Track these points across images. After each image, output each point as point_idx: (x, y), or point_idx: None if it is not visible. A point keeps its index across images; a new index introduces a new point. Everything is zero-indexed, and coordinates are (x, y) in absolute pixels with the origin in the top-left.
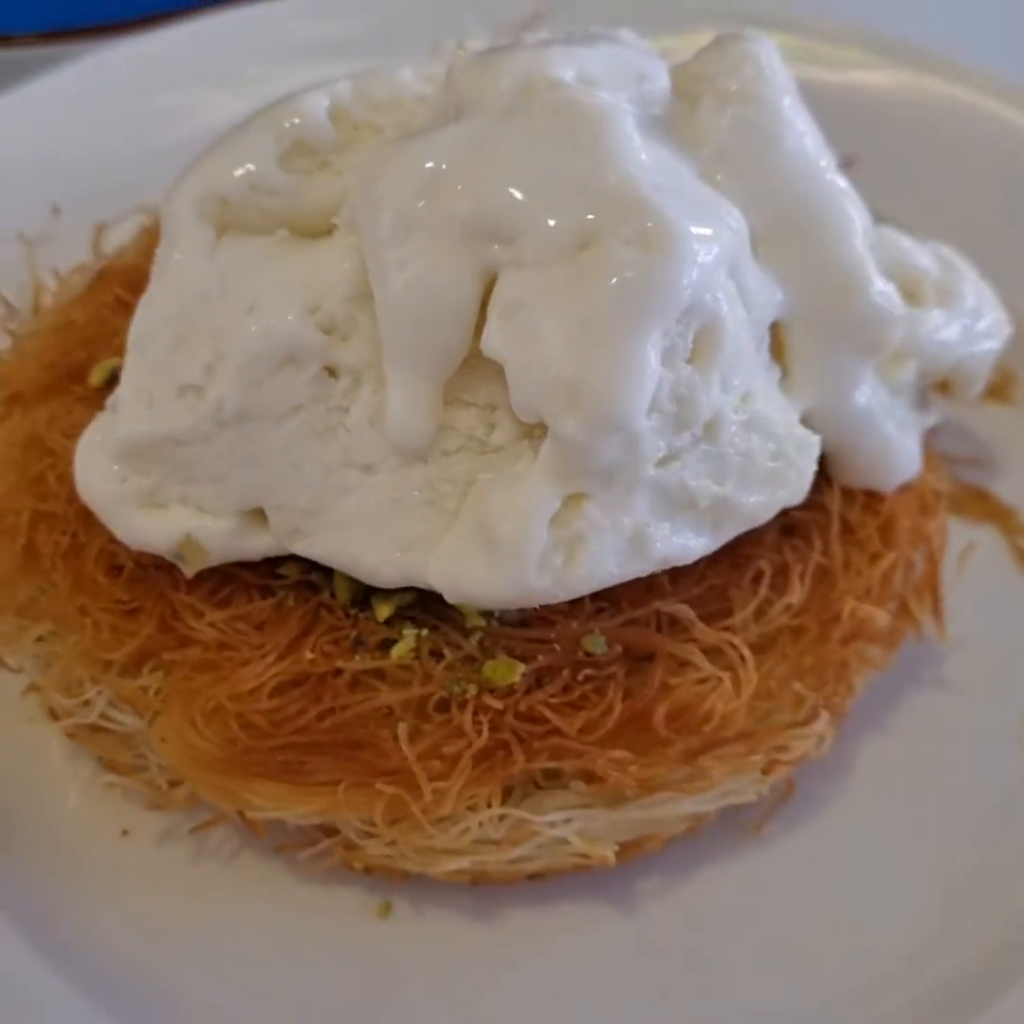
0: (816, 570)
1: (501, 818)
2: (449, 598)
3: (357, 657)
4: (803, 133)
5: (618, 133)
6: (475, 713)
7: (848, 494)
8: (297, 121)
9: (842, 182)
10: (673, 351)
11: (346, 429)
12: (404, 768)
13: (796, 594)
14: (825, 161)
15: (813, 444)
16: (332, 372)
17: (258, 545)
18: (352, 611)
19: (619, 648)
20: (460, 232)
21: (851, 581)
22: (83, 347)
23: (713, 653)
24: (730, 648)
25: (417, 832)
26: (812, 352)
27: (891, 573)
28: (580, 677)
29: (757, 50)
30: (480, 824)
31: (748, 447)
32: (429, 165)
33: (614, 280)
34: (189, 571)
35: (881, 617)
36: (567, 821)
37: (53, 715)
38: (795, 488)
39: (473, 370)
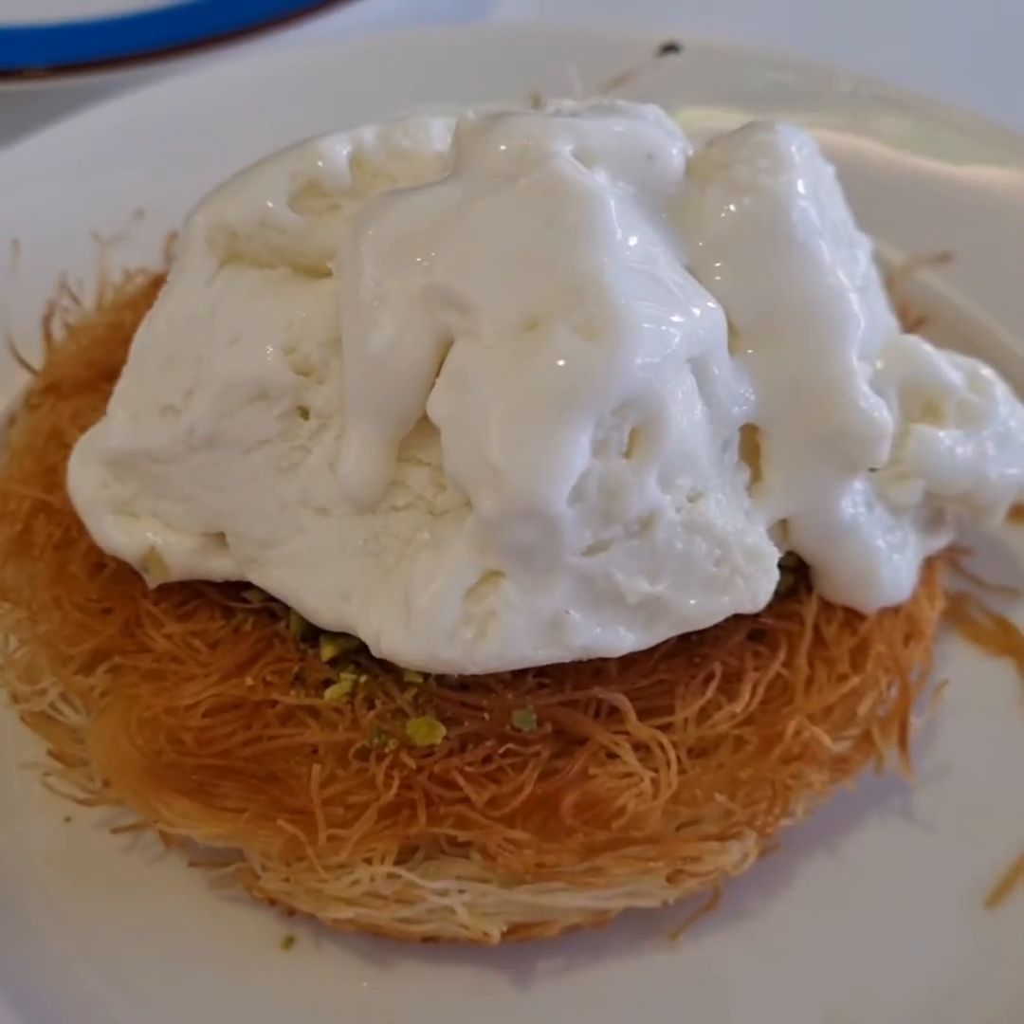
0: (775, 682)
1: (391, 876)
2: (373, 652)
3: (294, 692)
4: (814, 232)
5: (597, 217)
6: (390, 767)
7: (828, 607)
8: (318, 164)
9: (848, 289)
10: (607, 443)
11: (307, 469)
12: (309, 809)
13: (741, 703)
14: (836, 264)
15: (767, 556)
16: (303, 412)
17: (218, 568)
18: (303, 646)
19: (549, 727)
20: (423, 295)
21: (809, 699)
22: (124, 348)
23: (644, 749)
24: (658, 748)
25: (310, 874)
26: (787, 461)
27: (854, 698)
28: (502, 750)
29: (780, 142)
30: (372, 878)
31: (688, 549)
32: (407, 224)
33: (551, 365)
34: (151, 582)
35: (827, 742)
36: (460, 891)
37: (13, 698)
38: (744, 597)
39: (431, 430)
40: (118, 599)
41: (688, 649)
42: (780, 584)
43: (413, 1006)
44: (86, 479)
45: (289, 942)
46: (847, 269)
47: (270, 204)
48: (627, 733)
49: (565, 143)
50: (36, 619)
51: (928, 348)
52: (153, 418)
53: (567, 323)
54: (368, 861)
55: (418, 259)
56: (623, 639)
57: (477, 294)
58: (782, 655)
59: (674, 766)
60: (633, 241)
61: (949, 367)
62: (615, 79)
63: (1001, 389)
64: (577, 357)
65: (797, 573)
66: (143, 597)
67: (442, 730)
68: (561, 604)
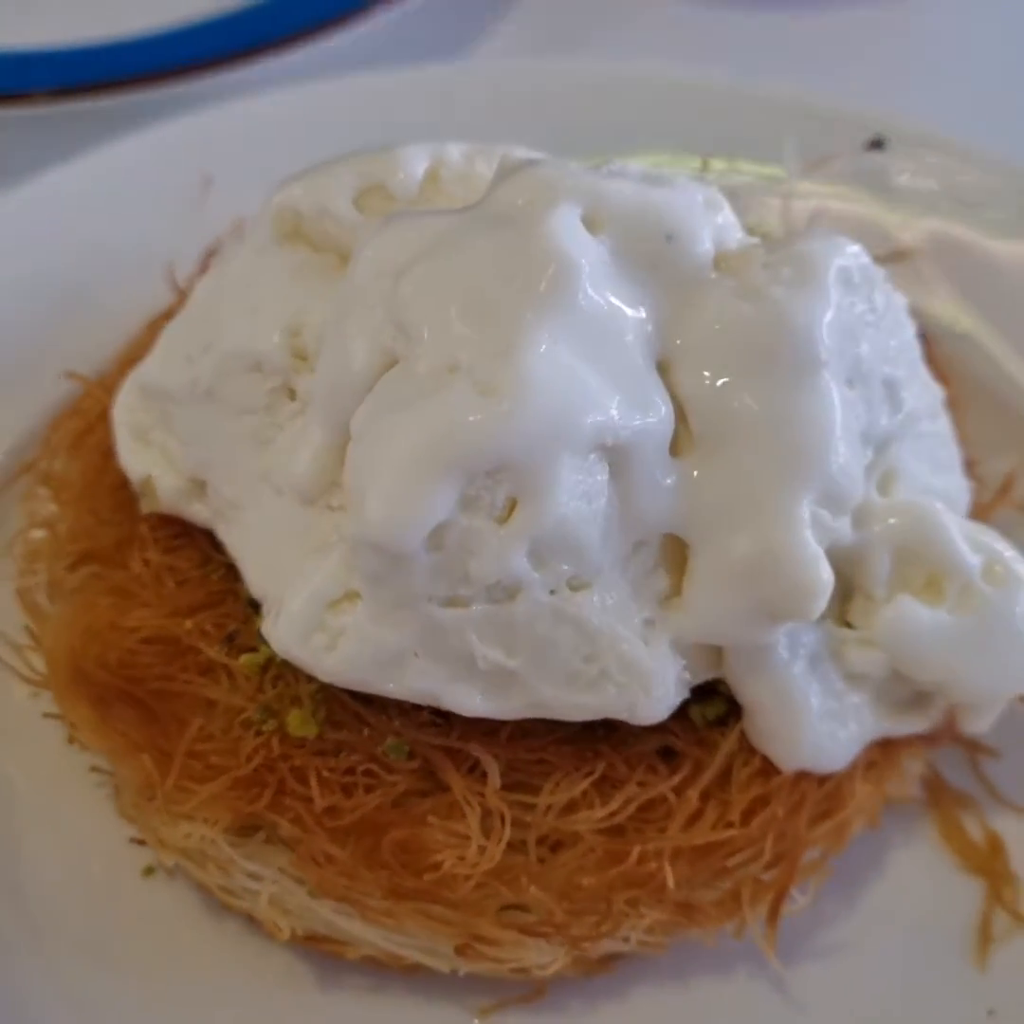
0: (658, 805)
1: (216, 842)
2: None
3: (219, 648)
4: (814, 360)
5: (560, 289)
6: (260, 745)
7: (750, 749)
8: (393, 169)
9: (832, 431)
10: (477, 502)
11: (276, 447)
12: (174, 754)
13: (600, 812)
14: (833, 401)
15: (645, 672)
16: (291, 394)
17: (196, 513)
18: (250, 610)
19: (417, 764)
20: (384, 314)
21: (682, 834)
22: None
23: (490, 816)
24: (499, 819)
25: (155, 813)
26: (708, 585)
27: (725, 851)
28: (364, 768)
29: (816, 256)
30: (201, 838)
31: (552, 635)
32: (405, 244)
33: (440, 411)
34: (143, 508)
35: (670, 881)
36: (273, 882)
37: (17, 573)
38: (616, 704)
39: None
40: (124, 515)
41: (587, 742)
42: (710, 710)
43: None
44: (123, 400)
45: (150, 871)
46: (856, 411)
47: (335, 196)
48: (481, 795)
49: (576, 203)
50: (59, 509)
51: (948, 520)
52: (178, 362)
53: (474, 376)
54: (206, 821)
55: (392, 278)
56: (472, 700)
57: (424, 327)
58: (676, 780)
59: (502, 841)
60: (597, 321)
61: (967, 547)
62: (815, 162)
63: None
64: (465, 410)
65: (733, 704)
66: (143, 521)
67: (315, 727)
68: (408, 643)
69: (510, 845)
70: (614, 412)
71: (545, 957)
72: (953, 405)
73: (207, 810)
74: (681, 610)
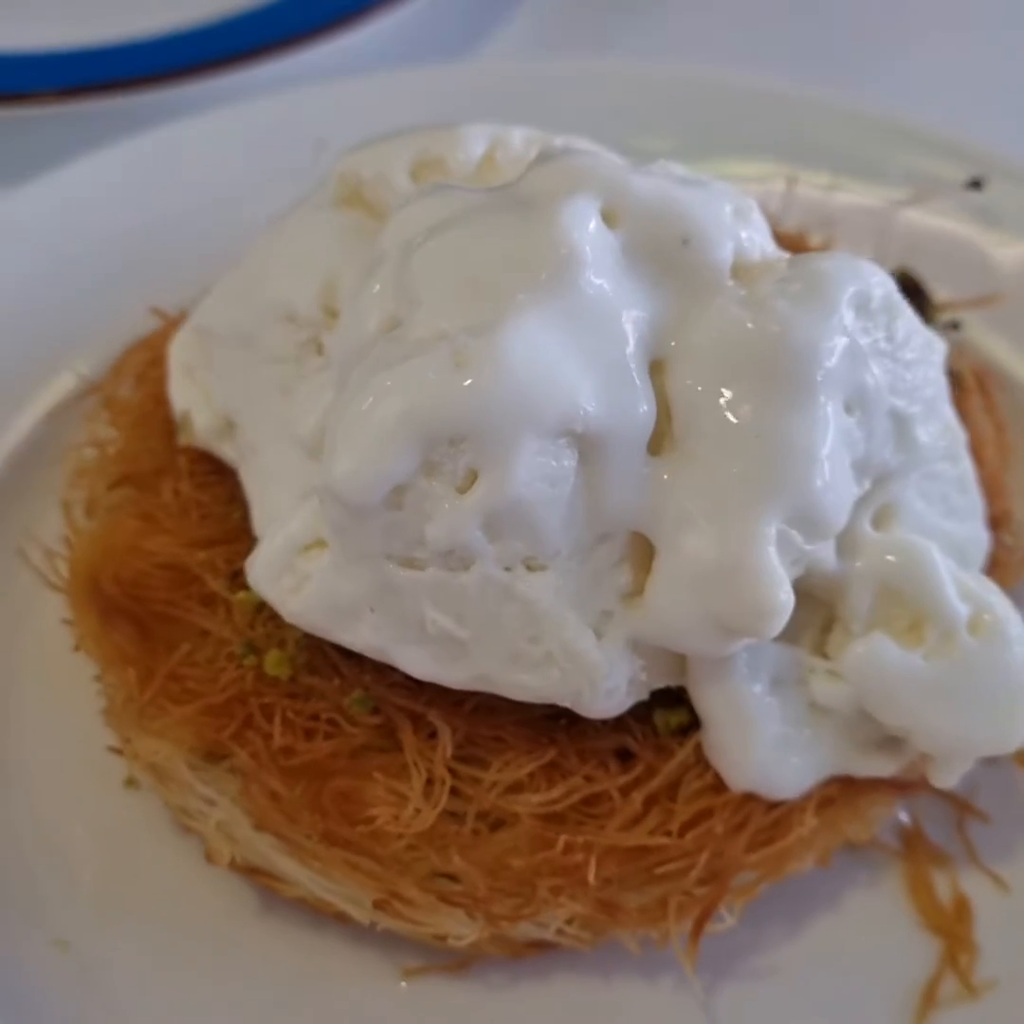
0: (602, 801)
1: (181, 762)
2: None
3: (222, 581)
4: (810, 382)
5: (557, 279)
6: (237, 678)
7: (705, 762)
8: (452, 148)
9: (818, 455)
10: (437, 468)
11: (297, 399)
12: (158, 671)
13: (540, 796)
14: (827, 427)
15: (590, 664)
16: (319, 348)
17: (224, 452)
18: None
19: (379, 720)
20: (392, 278)
21: (619, 833)
22: None
23: (434, 782)
24: (440, 784)
25: (130, 723)
26: (668, 588)
27: (654, 858)
28: (328, 717)
29: (830, 274)
30: (165, 755)
31: (498, 611)
32: (432, 214)
33: (416, 373)
34: (179, 440)
35: (590, 876)
36: (224, 810)
37: (67, 484)
38: (558, 690)
39: None
40: (168, 446)
41: (547, 729)
42: (674, 718)
43: None
44: (180, 337)
45: (132, 782)
46: (852, 438)
47: (395, 165)
48: (429, 760)
49: (597, 195)
50: (114, 432)
51: (939, 564)
52: (227, 305)
53: (454, 347)
54: (173, 741)
55: (408, 246)
56: (421, 663)
57: (425, 295)
58: (624, 780)
59: (438, 807)
60: (592, 312)
61: (956, 594)
62: (912, 197)
63: (1012, 637)
64: (436, 377)
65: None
66: (183, 453)
67: (288, 670)
68: (364, 597)
69: (450, 815)
70: (589, 401)
71: (463, 928)
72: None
73: (176, 731)
74: (638, 609)
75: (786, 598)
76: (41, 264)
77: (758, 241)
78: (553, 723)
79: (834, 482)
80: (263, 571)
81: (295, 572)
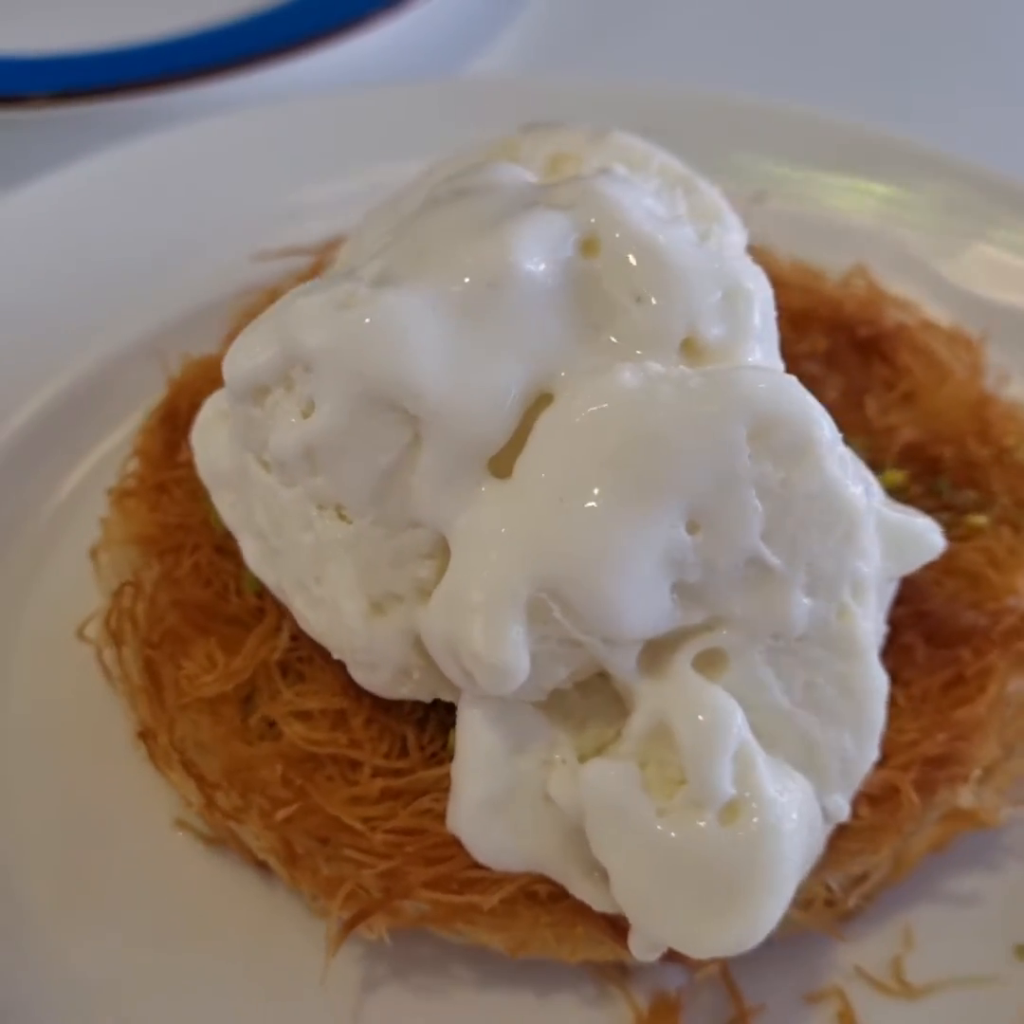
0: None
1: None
2: None
3: None
4: (649, 484)
5: (490, 283)
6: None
7: None
8: (591, 151)
9: (608, 560)
10: (291, 385)
11: None
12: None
13: (306, 730)
14: (624, 528)
15: (352, 633)
16: None
17: None
18: None
19: (258, 604)
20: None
21: (333, 797)
22: None
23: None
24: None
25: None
26: (438, 599)
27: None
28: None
29: (736, 393)
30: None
31: (299, 538)
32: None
33: (306, 299)
34: None
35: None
36: None
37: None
38: (330, 641)
39: None
40: None
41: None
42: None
43: None
44: None
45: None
46: (684, 557)
47: (535, 154)
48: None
49: (586, 221)
50: None
51: (727, 737)
52: None
53: (351, 290)
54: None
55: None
56: (251, 553)
57: (375, 239)
58: (379, 763)
59: (230, 684)
60: (493, 328)
61: (728, 774)
62: None
63: (755, 850)
64: (318, 307)
65: None
66: None
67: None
68: (230, 475)
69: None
70: (431, 391)
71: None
72: None
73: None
74: (423, 610)
75: (507, 659)
76: (34, 268)
77: (733, 328)
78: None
79: (626, 585)
80: (198, 425)
81: (214, 434)
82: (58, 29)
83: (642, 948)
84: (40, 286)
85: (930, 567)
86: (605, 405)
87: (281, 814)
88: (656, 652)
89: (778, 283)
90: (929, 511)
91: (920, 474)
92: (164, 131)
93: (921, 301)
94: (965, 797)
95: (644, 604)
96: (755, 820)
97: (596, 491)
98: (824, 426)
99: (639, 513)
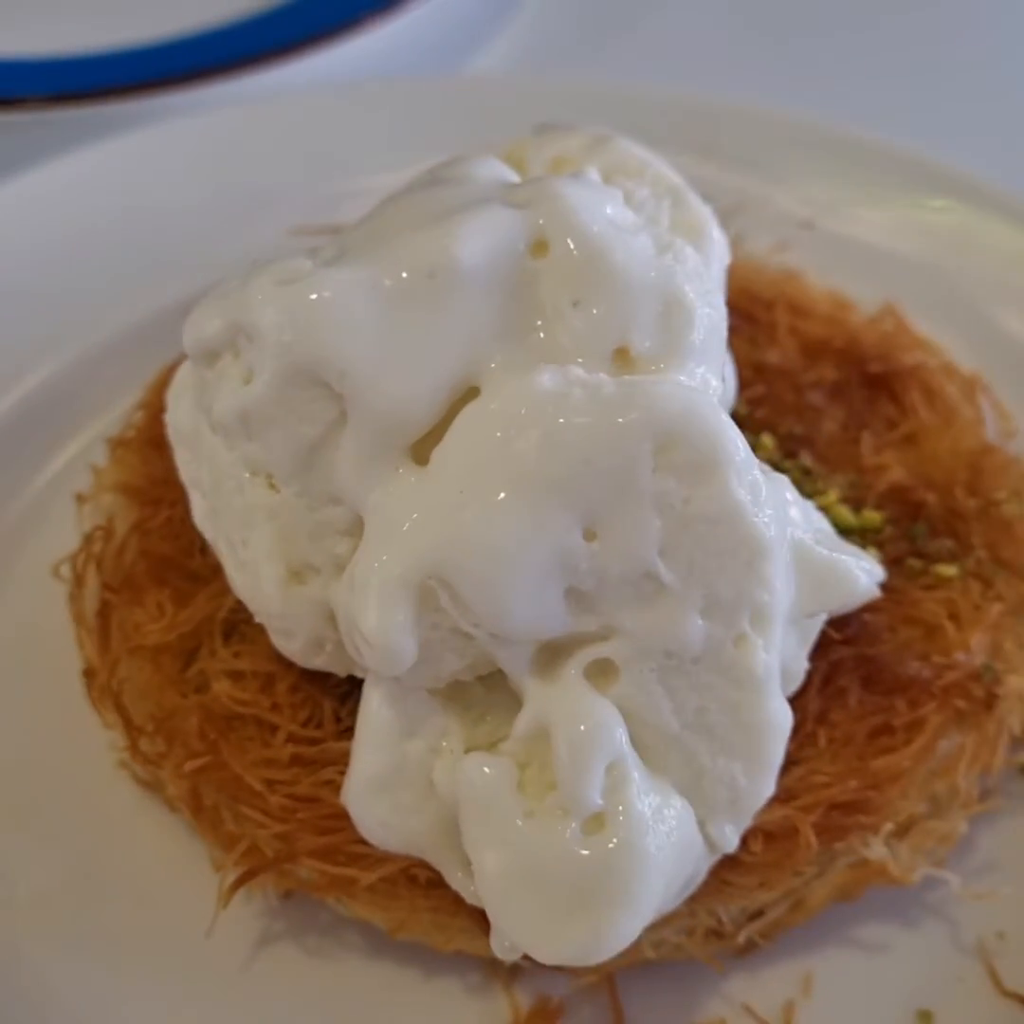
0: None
1: None
2: None
3: None
4: (548, 487)
5: (433, 272)
6: None
7: None
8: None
9: (504, 560)
10: (238, 354)
11: None
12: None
13: (234, 689)
14: (522, 533)
15: (266, 598)
16: None
17: None
18: None
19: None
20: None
21: (247, 757)
22: None
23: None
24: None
25: None
26: (345, 579)
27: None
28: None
29: (650, 408)
30: None
31: (231, 500)
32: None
33: (259, 274)
34: None
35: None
36: None
37: None
38: (249, 604)
39: None
40: None
41: None
42: None
43: None
44: None
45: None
46: (576, 563)
47: (536, 157)
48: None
49: (536, 222)
50: None
51: (598, 748)
52: None
53: (295, 268)
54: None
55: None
56: (197, 509)
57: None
58: (294, 729)
59: (170, 634)
60: (435, 311)
61: (597, 785)
62: None
63: (613, 862)
64: (263, 281)
65: None
66: None
67: None
68: (187, 433)
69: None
70: (360, 369)
71: None
72: None
73: None
74: (336, 585)
75: (390, 641)
76: (22, 259)
77: (667, 343)
78: None
79: (514, 581)
80: (173, 383)
81: (184, 394)
82: (51, 32)
83: (501, 947)
84: (26, 279)
85: (886, 612)
86: (518, 404)
87: (190, 765)
88: (551, 656)
89: (801, 311)
90: (899, 556)
91: (899, 517)
92: (152, 127)
93: (961, 344)
94: (875, 849)
95: (532, 603)
96: (619, 834)
97: (495, 486)
98: (735, 450)
99: (534, 513)
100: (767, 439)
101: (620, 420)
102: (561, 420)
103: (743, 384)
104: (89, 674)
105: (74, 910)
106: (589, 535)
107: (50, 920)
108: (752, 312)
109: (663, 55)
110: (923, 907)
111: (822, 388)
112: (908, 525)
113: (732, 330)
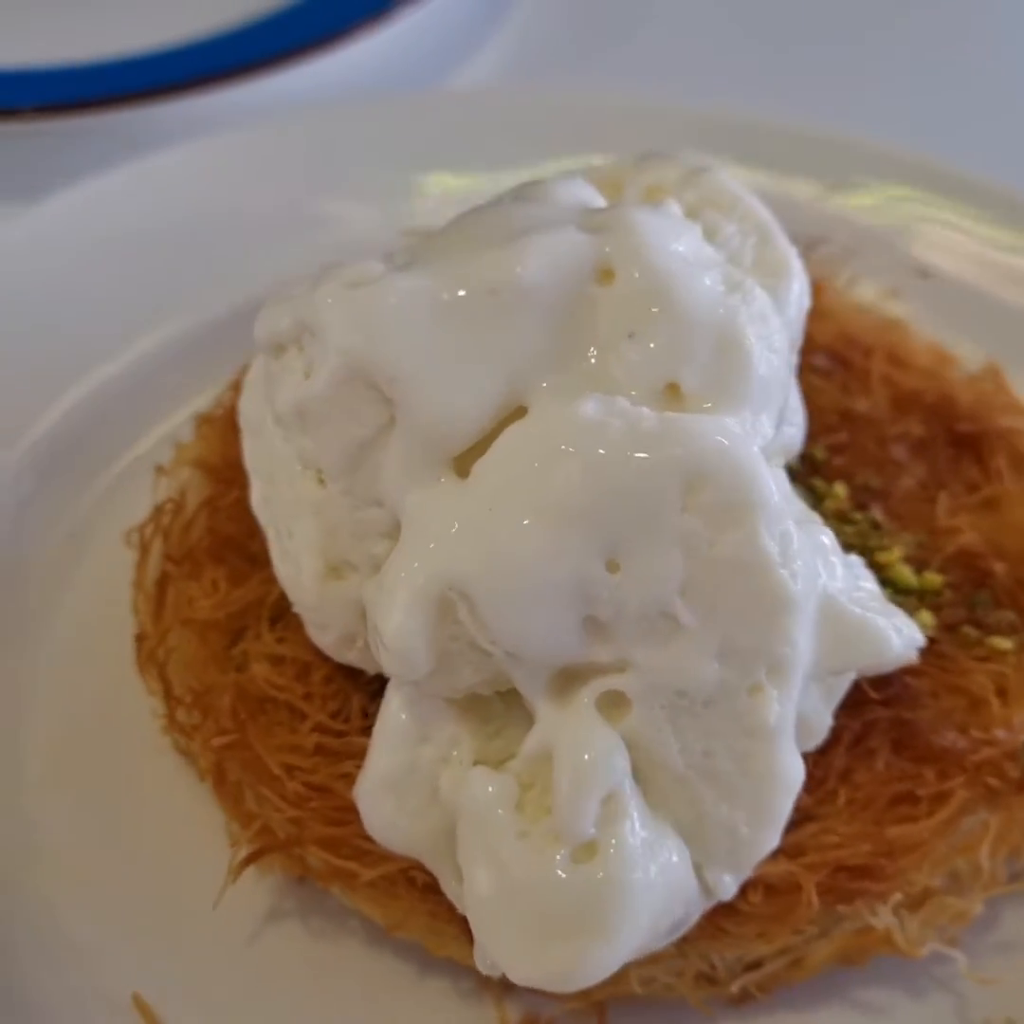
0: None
1: None
2: None
3: None
4: (577, 514)
5: (484, 290)
6: None
7: None
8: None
9: (515, 574)
10: (302, 348)
11: None
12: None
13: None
14: (540, 557)
15: (301, 586)
16: None
17: None
18: None
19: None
20: None
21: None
22: None
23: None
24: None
25: None
26: (378, 579)
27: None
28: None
29: (684, 450)
30: None
31: (283, 491)
32: None
33: (328, 275)
34: None
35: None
36: None
37: None
38: (291, 595)
39: None
40: None
41: None
42: None
43: None
44: None
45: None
46: (591, 593)
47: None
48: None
49: (604, 251)
50: None
51: (595, 780)
52: None
53: (363, 273)
54: None
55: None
56: (256, 495)
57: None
58: (321, 719)
59: (221, 611)
60: (482, 334)
61: (591, 813)
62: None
63: (602, 891)
64: (332, 284)
65: None
66: None
67: None
68: (257, 421)
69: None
70: (411, 377)
71: None
72: None
73: None
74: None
75: (402, 646)
76: (49, 282)
77: (719, 384)
78: None
79: (532, 603)
80: (251, 372)
81: (258, 382)
82: (43, 42)
83: (484, 962)
84: (51, 302)
85: (931, 678)
86: (558, 430)
87: (217, 741)
88: (566, 681)
89: (899, 361)
90: (955, 622)
91: (963, 583)
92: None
93: None
94: (882, 917)
95: (548, 626)
96: (607, 867)
97: (523, 508)
98: (768, 497)
99: (558, 537)
100: (840, 488)
101: (653, 454)
102: (598, 450)
103: (827, 430)
104: (140, 639)
105: (101, 865)
106: (612, 566)
107: (78, 874)
108: (849, 358)
109: (659, 63)
110: (931, 979)
111: (907, 442)
112: (970, 592)
113: (825, 374)
